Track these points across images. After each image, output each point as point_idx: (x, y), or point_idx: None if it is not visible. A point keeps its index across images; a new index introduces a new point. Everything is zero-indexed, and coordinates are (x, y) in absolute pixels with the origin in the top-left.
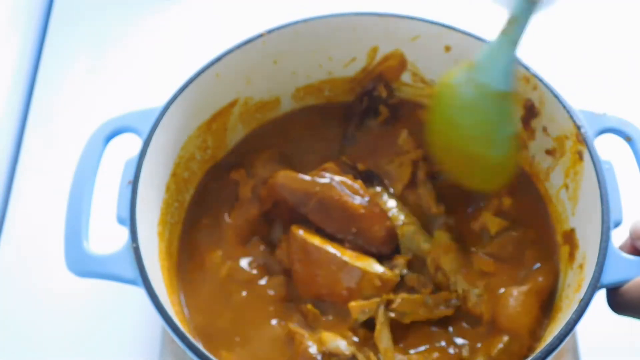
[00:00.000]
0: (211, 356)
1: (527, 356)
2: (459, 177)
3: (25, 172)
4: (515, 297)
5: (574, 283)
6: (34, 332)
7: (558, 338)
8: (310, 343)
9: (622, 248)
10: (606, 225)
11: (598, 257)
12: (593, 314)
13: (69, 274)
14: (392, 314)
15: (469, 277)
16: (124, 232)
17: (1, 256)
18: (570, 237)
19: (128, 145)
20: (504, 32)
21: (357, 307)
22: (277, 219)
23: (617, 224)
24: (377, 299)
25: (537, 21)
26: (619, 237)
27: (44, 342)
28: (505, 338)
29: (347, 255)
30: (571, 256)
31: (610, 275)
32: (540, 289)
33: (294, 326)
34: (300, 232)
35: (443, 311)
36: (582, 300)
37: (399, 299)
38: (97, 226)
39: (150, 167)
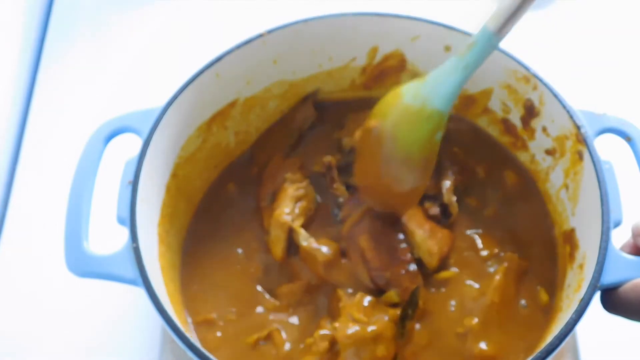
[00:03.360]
0: (211, 356)
1: None
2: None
3: (25, 172)
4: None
5: (574, 283)
6: (34, 332)
7: (558, 338)
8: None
9: (624, 248)
10: (606, 225)
11: (598, 257)
12: (593, 314)
13: (69, 274)
14: None
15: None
16: (124, 232)
17: (1, 256)
18: (570, 237)
19: (128, 145)
20: (460, 54)
21: None
22: None
23: (617, 224)
24: None
25: (537, 20)
26: (619, 237)
27: (44, 342)
28: None
29: None
30: (571, 256)
31: (610, 275)
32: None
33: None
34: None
35: None
36: (582, 300)
37: None
38: (97, 226)
39: (150, 167)
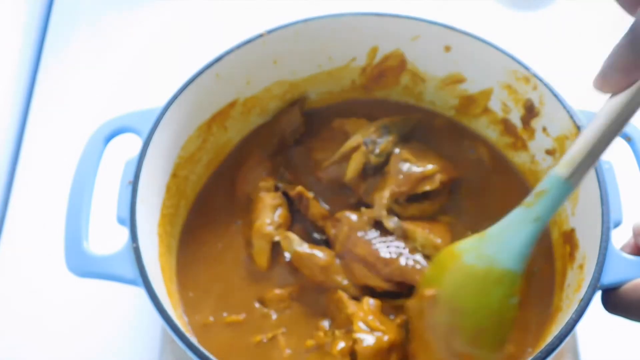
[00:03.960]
0: (211, 356)
1: None
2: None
3: (25, 172)
4: None
5: (574, 283)
6: (33, 332)
7: (558, 338)
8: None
9: (625, 248)
10: (606, 225)
11: (598, 257)
12: (593, 314)
13: (69, 274)
14: None
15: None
16: (124, 232)
17: (1, 256)
18: (570, 237)
19: (128, 145)
20: (527, 204)
21: None
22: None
23: (617, 224)
24: None
25: (537, 20)
26: (619, 237)
27: (44, 342)
28: None
29: None
30: (571, 256)
31: (610, 275)
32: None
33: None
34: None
35: None
36: (582, 300)
37: None
38: (97, 226)
39: (150, 167)
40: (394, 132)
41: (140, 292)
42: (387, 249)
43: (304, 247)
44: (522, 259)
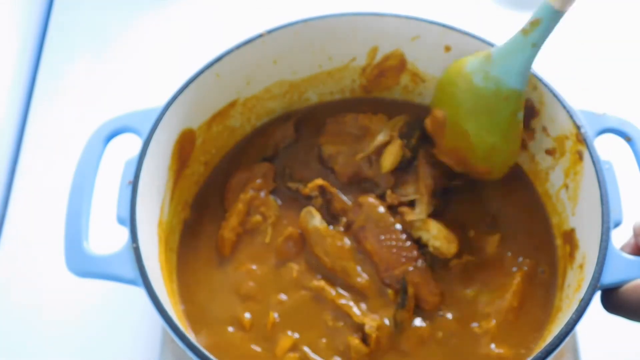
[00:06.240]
0: (211, 356)
1: None
2: (456, 159)
3: (25, 172)
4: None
5: (574, 283)
6: (33, 332)
7: (558, 338)
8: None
9: (624, 248)
10: (606, 225)
11: (598, 257)
12: (593, 314)
13: (69, 274)
14: None
15: None
16: (124, 232)
17: (1, 256)
18: (570, 237)
19: (128, 145)
20: (524, 32)
21: None
22: None
23: (617, 224)
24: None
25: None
26: (619, 237)
27: (43, 342)
28: None
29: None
30: (571, 256)
31: (610, 275)
32: None
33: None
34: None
35: None
36: (582, 300)
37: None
38: (97, 226)
39: (150, 167)
40: (417, 129)
41: (140, 292)
42: (393, 253)
43: (325, 225)
44: (524, 80)
